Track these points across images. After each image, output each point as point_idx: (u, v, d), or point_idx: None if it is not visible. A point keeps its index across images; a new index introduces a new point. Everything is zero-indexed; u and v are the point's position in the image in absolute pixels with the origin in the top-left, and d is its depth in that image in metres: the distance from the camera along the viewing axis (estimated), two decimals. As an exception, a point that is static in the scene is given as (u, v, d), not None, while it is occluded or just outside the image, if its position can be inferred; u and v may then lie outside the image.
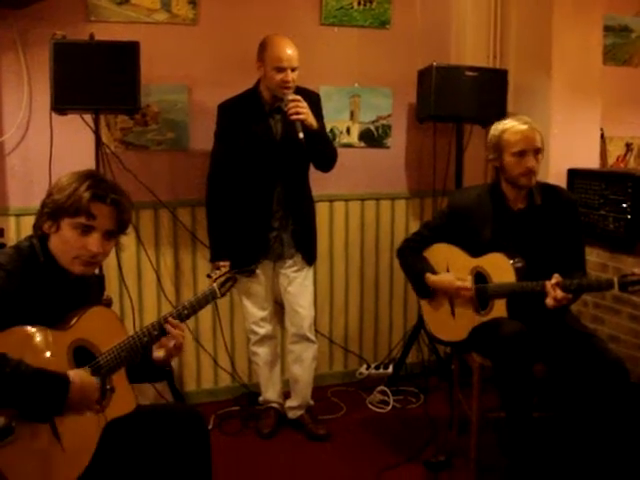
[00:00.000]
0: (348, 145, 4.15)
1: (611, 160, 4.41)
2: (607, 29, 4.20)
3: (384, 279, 4.37)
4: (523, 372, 2.74)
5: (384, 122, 4.22)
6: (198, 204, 3.70)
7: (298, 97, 3.22)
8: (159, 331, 2.12)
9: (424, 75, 3.94)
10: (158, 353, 2.18)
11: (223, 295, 2.33)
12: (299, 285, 3.53)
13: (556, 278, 2.73)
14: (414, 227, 4.16)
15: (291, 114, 3.19)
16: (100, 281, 2.36)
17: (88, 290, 2.15)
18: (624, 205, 3.46)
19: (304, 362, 3.61)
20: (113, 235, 2.07)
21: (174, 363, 3.84)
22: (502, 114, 3.76)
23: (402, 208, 4.34)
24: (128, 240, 3.72)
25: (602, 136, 4.21)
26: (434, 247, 3.18)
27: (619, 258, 3.53)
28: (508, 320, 2.85)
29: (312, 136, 3.23)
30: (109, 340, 2.05)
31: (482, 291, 2.97)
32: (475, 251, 3.03)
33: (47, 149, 3.48)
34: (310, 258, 3.55)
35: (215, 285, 2.29)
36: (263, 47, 3.29)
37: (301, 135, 3.18)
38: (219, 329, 4.00)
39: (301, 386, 3.64)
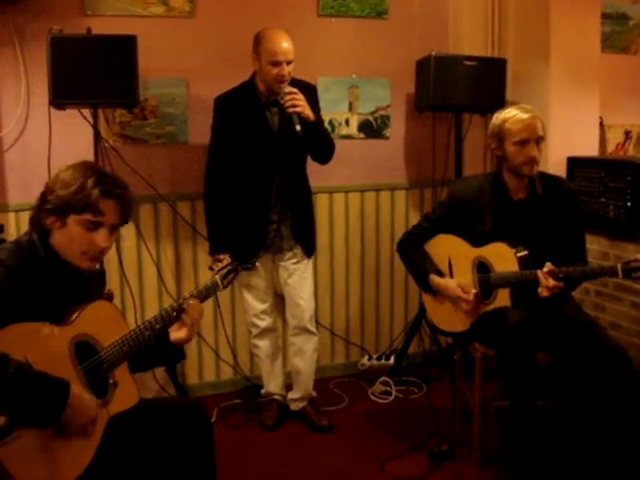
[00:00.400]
0: (347, 136, 4.15)
1: (610, 148, 4.41)
2: (605, 17, 4.20)
3: (385, 270, 4.37)
4: (527, 361, 2.75)
5: (383, 113, 4.21)
6: (197, 197, 3.69)
7: (294, 90, 3.21)
8: (174, 316, 2.14)
9: (422, 65, 3.93)
10: (178, 334, 2.19)
11: (225, 287, 2.33)
12: (299, 277, 3.53)
13: (548, 267, 2.74)
14: (414, 217, 4.16)
15: (288, 107, 3.18)
16: (101, 275, 2.35)
17: (89, 284, 2.15)
18: (624, 193, 3.45)
19: (305, 354, 3.61)
20: (117, 228, 2.07)
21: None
22: (501, 103, 3.76)
23: (402, 199, 4.34)
24: (128, 234, 3.73)
25: (601, 124, 4.21)
26: (436, 238, 3.18)
27: (620, 246, 3.53)
28: (512, 309, 2.85)
29: (309, 128, 3.22)
30: (111, 334, 2.04)
31: (485, 281, 2.97)
32: (476, 241, 3.03)
33: (46, 144, 3.47)
34: (309, 250, 3.55)
35: (217, 277, 2.29)
36: (258, 41, 3.27)
37: (298, 127, 3.16)
38: (220, 322, 4.00)
39: (303, 378, 3.64)
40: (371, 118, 4.19)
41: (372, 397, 3.97)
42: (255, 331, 3.64)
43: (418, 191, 4.37)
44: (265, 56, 3.23)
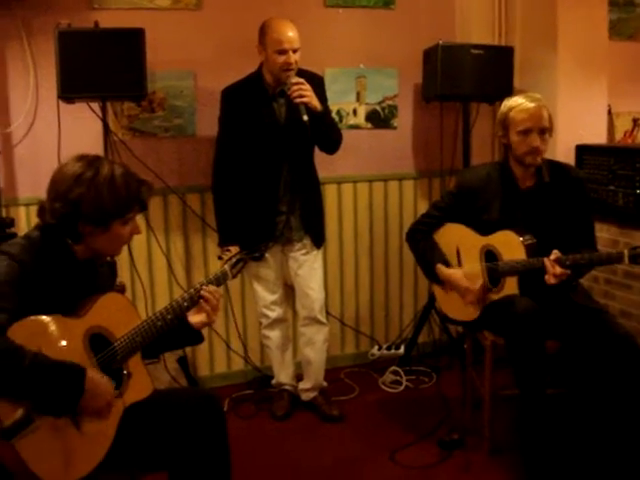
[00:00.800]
0: (355, 127, 4.15)
1: (619, 135, 4.40)
2: (612, 4, 4.17)
3: (394, 259, 4.37)
4: (536, 349, 2.76)
5: (390, 103, 4.21)
6: (206, 189, 3.70)
7: (301, 80, 3.21)
8: (185, 306, 2.18)
9: (430, 54, 3.92)
10: (196, 318, 2.25)
11: (234, 276, 2.35)
12: (309, 268, 3.54)
13: (555, 254, 2.74)
14: (422, 207, 4.16)
15: (295, 97, 3.18)
16: (112, 267, 2.36)
17: (100, 276, 2.17)
18: (633, 180, 3.45)
19: (316, 344, 3.63)
20: None
21: (187, 348, 3.87)
22: (509, 91, 3.76)
23: (410, 188, 4.34)
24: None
25: (609, 112, 4.20)
26: (444, 228, 3.19)
27: (629, 233, 3.53)
28: (520, 297, 2.85)
29: (316, 118, 3.22)
30: (123, 326, 2.06)
31: (493, 269, 2.98)
32: (484, 230, 3.03)
33: (55, 138, 3.49)
34: (319, 241, 3.56)
35: (227, 266, 2.31)
36: (263, 31, 3.28)
37: (305, 118, 3.17)
38: (231, 314, 4.02)
39: (313, 368, 3.66)
40: (379, 108, 4.19)
41: (382, 387, 3.98)
42: (265, 322, 3.66)
43: (426, 181, 4.37)
44: (271, 46, 3.24)
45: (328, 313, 4.00)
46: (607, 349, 2.72)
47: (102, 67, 3.19)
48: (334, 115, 3.86)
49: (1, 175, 3.47)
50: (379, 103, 4.19)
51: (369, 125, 4.19)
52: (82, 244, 2.04)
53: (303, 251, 3.53)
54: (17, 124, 3.55)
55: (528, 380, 2.79)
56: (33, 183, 3.53)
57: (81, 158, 2.03)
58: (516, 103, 2.94)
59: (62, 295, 1.96)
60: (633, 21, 4.46)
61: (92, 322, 1.99)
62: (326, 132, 3.37)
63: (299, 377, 3.78)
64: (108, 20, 3.41)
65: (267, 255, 3.48)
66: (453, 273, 3.09)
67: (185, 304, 2.17)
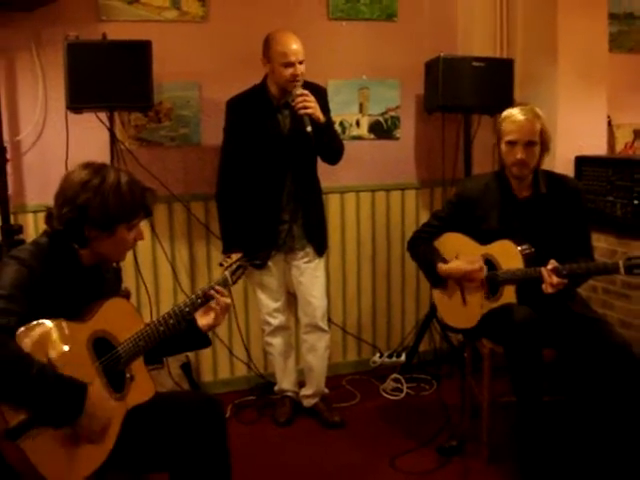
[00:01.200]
0: (358, 137, 4.21)
1: (619, 147, 4.43)
2: (612, 17, 4.23)
3: (396, 268, 4.42)
4: (533, 357, 2.79)
5: (393, 114, 4.26)
6: (211, 198, 3.74)
7: (306, 91, 3.27)
8: (187, 312, 2.23)
9: (431, 66, 3.98)
10: (203, 321, 2.32)
11: (234, 282, 2.41)
12: (311, 276, 3.59)
13: (551, 264, 2.78)
14: (424, 216, 4.20)
15: (299, 108, 3.25)
16: (117, 273, 2.42)
17: (105, 282, 2.24)
18: (631, 191, 3.49)
19: (317, 351, 3.68)
20: None
21: (191, 354, 3.93)
22: (509, 103, 3.78)
23: (412, 198, 4.39)
24: (144, 234, 3.80)
25: (610, 123, 4.24)
26: (444, 237, 3.23)
27: (627, 243, 3.56)
28: (518, 306, 2.89)
29: (320, 129, 3.28)
30: (127, 330, 2.12)
31: (492, 278, 3.02)
32: (483, 239, 3.07)
33: (63, 147, 3.56)
34: (321, 249, 3.61)
35: (227, 273, 2.36)
36: (268, 44, 3.34)
37: (309, 128, 3.23)
38: (234, 321, 4.07)
39: (315, 375, 3.70)
40: (381, 119, 4.25)
41: (383, 394, 4.02)
42: (268, 329, 3.71)
43: (428, 191, 4.42)
44: (277, 59, 3.30)
45: (330, 321, 4.04)
46: (603, 357, 2.75)
47: (110, 78, 3.26)
48: (337, 126, 3.92)
49: (10, 182, 3.52)
50: (382, 114, 4.24)
51: (372, 136, 4.25)
52: (88, 249, 2.09)
53: (305, 259, 3.58)
54: (26, 133, 3.62)
55: (525, 387, 2.83)
56: (41, 190, 3.58)
57: (88, 166, 2.09)
58: (509, 114, 2.99)
59: (68, 300, 2.02)
60: (634, 34, 4.50)
61: (96, 326, 2.05)
62: (329, 143, 3.43)
63: (301, 384, 3.82)
64: (116, 32, 3.48)
65: (270, 263, 3.54)
66: (453, 263, 3.12)
67: (187, 309, 2.22)
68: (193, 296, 2.27)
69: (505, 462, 3.12)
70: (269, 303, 3.66)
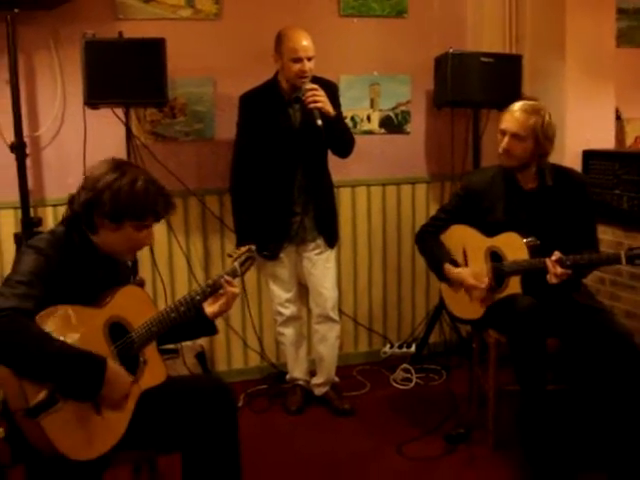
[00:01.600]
0: (369, 132, 4.27)
1: (629, 141, 4.46)
2: (621, 12, 4.27)
3: (406, 261, 4.48)
4: (537, 346, 2.84)
5: (403, 109, 4.32)
6: (225, 192, 3.84)
7: (315, 86, 3.34)
8: (197, 299, 2.30)
9: (440, 62, 4.03)
10: (210, 309, 2.38)
11: (243, 273, 2.47)
12: (322, 267, 3.66)
13: (556, 255, 2.82)
14: (434, 210, 4.19)
15: (309, 102, 3.31)
16: (127, 267, 2.51)
17: (119, 271, 2.33)
18: (637, 185, 3.54)
19: (328, 341, 3.75)
20: None
21: (206, 344, 4.03)
22: (517, 98, 3.78)
23: (423, 192, 4.45)
24: (160, 228, 3.88)
25: (620, 118, 4.28)
26: (450, 229, 3.29)
27: (634, 236, 3.61)
28: (521, 296, 2.94)
29: (330, 123, 3.35)
30: (141, 316, 2.21)
31: (498, 269, 3.07)
32: (490, 231, 3.12)
33: (81, 141, 3.64)
34: (332, 241, 3.68)
35: (236, 264, 2.43)
36: (279, 40, 3.41)
37: (319, 122, 3.29)
38: (248, 312, 4.15)
39: (326, 364, 3.77)
40: (392, 114, 4.31)
41: (393, 383, 4.09)
42: (280, 319, 3.79)
43: (438, 184, 4.48)
44: (287, 54, 3.37)
45: (342, 312, 4.12)
46: (605, 347, 2.80)
47: (126, 75, 3.35)
48: (348, 121, 3.99)
49: (30, 177, 3.62)
50: (392, 109, 4.30)
51: (382, 130, 4.31)
52: (98, 238, 2.17)
53: (317, 251, 3.66)
54: (45, 128, 3.72)
55: (529, 377, 2.88)
56: (60, 184, 3.67)
57: (115, 160, 2.19)
58: (511, 106, 3.04)
59: (84, 286, 2.11)
60: (642, 29, 4.54)
61: (112, 312, 2.14)
62: (339, 136, 3.49)
63: (312, 373, 3.89)
64: (132, 30, 3.56)
65: (282, 255, 3.62)
66: (460, 272, 3.19)
67: (197, 297, 2.30)
68: (204, 285, 2.35)
69: (510, 449, 3.18)
70: (281, 294, 3.74)
